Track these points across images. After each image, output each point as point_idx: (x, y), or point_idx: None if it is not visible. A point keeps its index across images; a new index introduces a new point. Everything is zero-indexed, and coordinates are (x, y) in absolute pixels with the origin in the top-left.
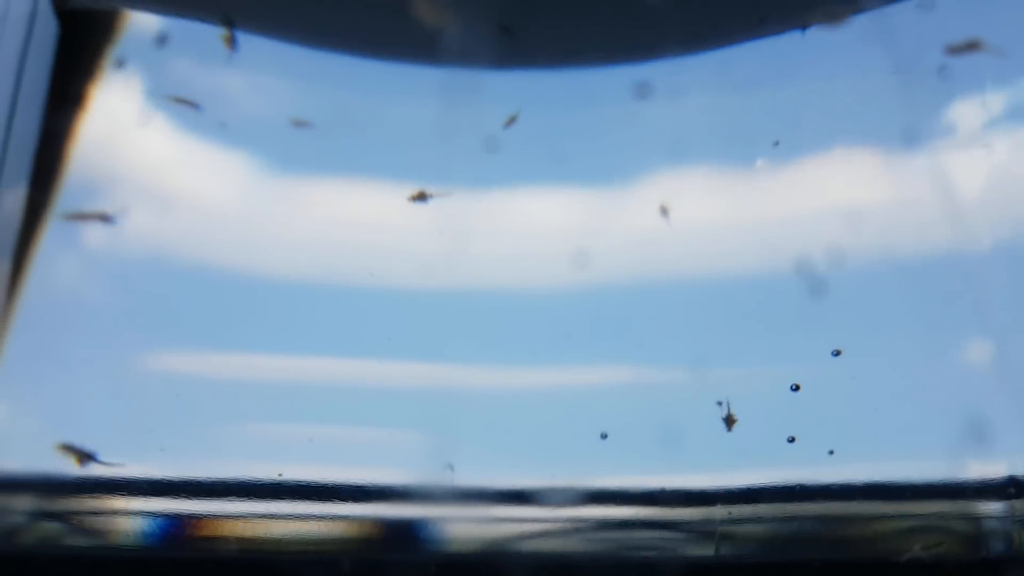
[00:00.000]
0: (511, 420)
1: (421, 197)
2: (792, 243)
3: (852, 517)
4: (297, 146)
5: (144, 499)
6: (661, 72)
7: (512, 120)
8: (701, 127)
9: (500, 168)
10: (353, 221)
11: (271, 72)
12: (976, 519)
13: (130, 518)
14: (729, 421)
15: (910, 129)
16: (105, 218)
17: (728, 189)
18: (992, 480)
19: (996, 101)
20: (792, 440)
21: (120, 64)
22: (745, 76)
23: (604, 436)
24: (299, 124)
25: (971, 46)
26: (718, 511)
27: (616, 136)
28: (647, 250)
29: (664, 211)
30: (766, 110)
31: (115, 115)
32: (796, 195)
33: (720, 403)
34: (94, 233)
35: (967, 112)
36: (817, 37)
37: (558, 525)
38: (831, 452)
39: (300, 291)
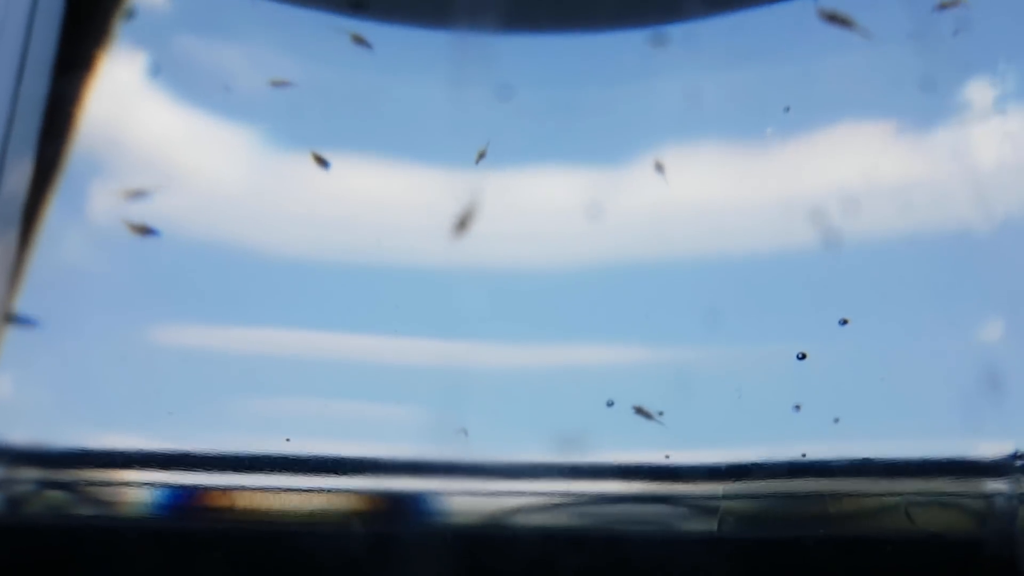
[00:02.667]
0: (519, 395)
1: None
2: (802, 214)
3: (856, 492)
4: (304, 119)
5: (151, 470)
6: (670, 38)
7: (482, 155)
8: (710, 96)
9: (507, 142)
10: (361, 196)
11: (276, 42)
12: (980, 495)
13: (137, 489)
14: (642, 411)
15: (924, 97)
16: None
17: (737, 159)
18: (998, 456)
19: (1012, 68)
20: (798, 408)
21: (127, 32)
22: (755, 44)
23: (610, 404)
24: (278, 84)
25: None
26: (721, 486)
27: (624, 106)
28: (653, 224)
29: (659, 168)
30: (777, 78)
31: (122, 85)
32: (807, 165)
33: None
34: (100, 205)
35: (983, 79)
36: (830, 4)
37: (561, 499)
38: (836, 420)
39: (304, 266)
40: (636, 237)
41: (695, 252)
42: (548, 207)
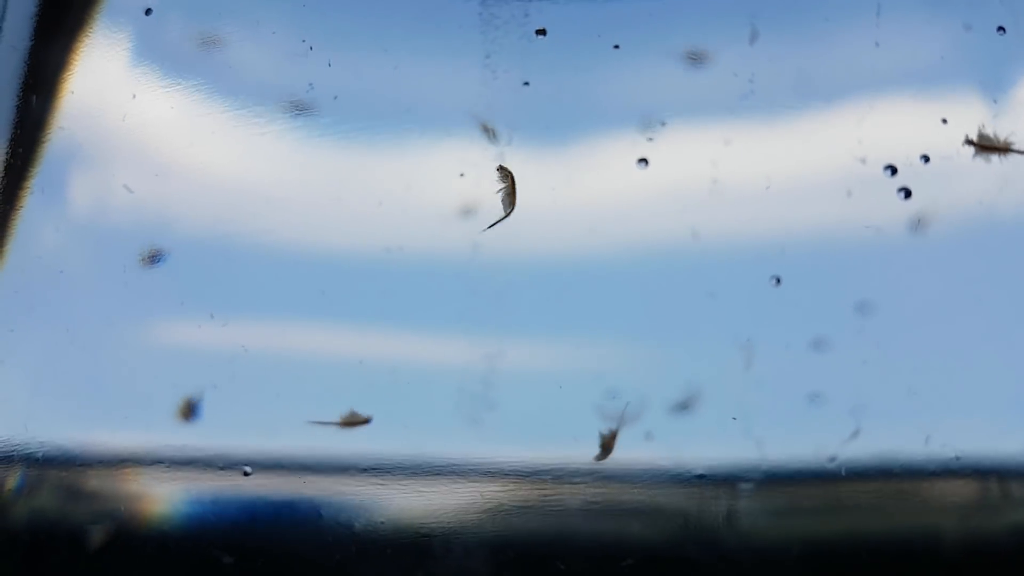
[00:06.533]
0: (531, 391)
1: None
2: (822, 198)
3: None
4: (305, 99)
5: (145, 471)
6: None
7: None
8: (766, 49)
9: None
10: (364, 184)
11: (272, 21)
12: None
13: (130, 491)
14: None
15: (1002, 45)
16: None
17: (758, 139)
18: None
19: None
20: (814, 398)
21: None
22: (779, 16)
23: (613, 396)
24: (208, 41)
25: None
26: (745, 486)
27: (641, 85)
28: (668, 213)
29: (659, 124)
30: (798, 53)
31: (107, 55)
32: (830, 146)
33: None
34: (78, 189)
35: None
36: None
37: (569, 501)
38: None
39: (309, 255)
40: (646, 227)
41: (710, 242)
42: (589, 172)
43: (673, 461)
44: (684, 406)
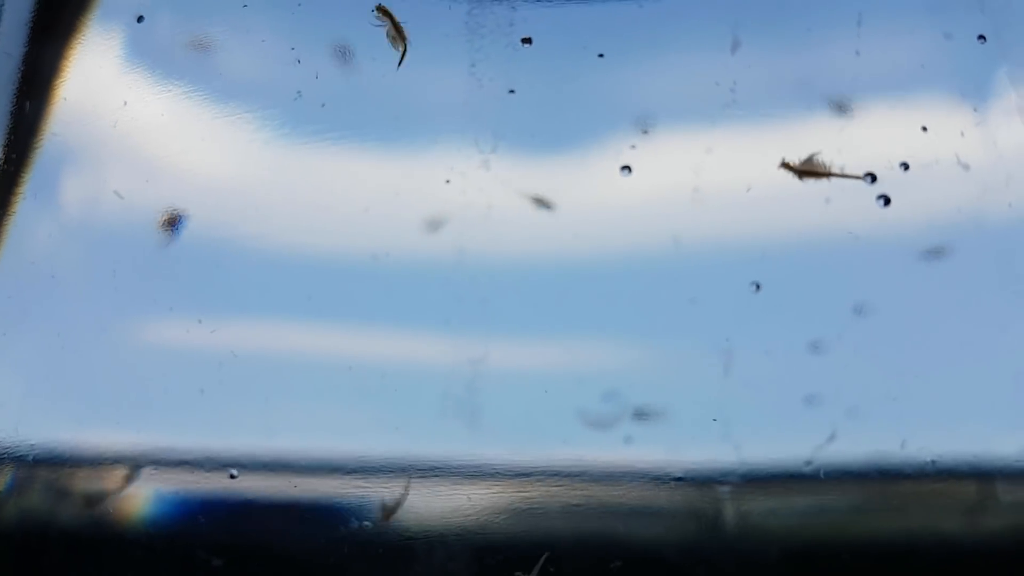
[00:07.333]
0: (517, 395)
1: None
2: (802, 205)
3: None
4: (294, 106)
5: (136, 472)
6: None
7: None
8: (749, 57)
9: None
10: (351, 191)
11: (265, 24)
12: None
13: (122, 492)
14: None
15: (982, 55)
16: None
17: (739, 147)
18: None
19: None
20: (795, 402)
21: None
22: (761, 26)
23: (608, 398)
24: (198, 45)
25: None
26: (725, 489)
27: (625, 94)
28: (650, 220)
29: (642, 132)
30: (780, 62)
31: (102, 56)
32: (810, 154)
33: (715, 420)
34: (70, 194)
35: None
36: None
37: (555, 504)
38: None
39: (296, 257)
40: (637, 228)
41: (701, 244)
42: (573, 180)
43: (657, 464)
44: (665, 409)
